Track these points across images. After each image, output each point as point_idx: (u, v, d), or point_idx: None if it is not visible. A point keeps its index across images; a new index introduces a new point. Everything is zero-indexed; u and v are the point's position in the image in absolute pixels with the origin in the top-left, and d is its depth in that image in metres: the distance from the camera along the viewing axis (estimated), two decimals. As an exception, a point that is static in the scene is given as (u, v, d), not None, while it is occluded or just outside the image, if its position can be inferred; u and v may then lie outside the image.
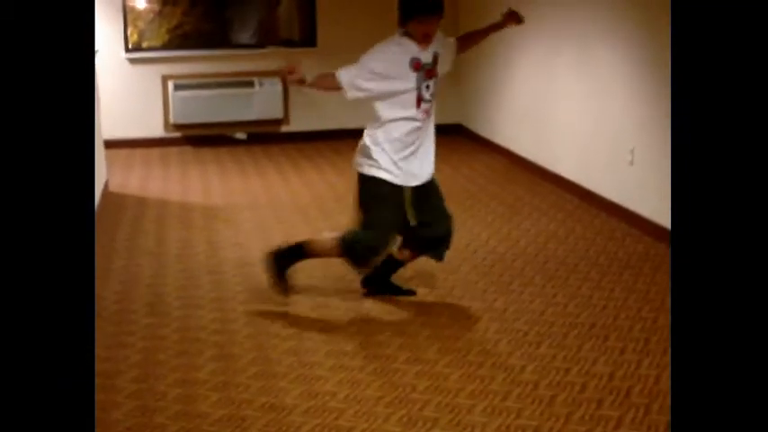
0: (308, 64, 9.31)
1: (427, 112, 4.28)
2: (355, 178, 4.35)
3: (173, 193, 7.17)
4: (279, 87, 9.12)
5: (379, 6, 9.38)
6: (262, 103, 9.13)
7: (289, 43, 9.34)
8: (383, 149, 4.22)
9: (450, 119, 8.90)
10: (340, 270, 5.06)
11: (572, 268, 5.11)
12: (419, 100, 4.22)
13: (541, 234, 5.83)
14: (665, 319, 4.31)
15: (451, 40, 4.53)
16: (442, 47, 4.36)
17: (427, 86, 4.24)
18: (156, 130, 9.00)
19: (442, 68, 4.35)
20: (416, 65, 4.19)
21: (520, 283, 4.85)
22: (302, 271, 5.09)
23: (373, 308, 4.50)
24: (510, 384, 3.63)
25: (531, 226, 6.01)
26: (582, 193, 6.69)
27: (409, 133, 4.24)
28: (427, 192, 4.39)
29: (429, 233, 4.42)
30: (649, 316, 4.37)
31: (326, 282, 4.88)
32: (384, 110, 4.23)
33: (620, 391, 3.56)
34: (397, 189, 4.27)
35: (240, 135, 9.27)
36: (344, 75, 4.23)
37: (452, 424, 3.31)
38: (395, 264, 4.59)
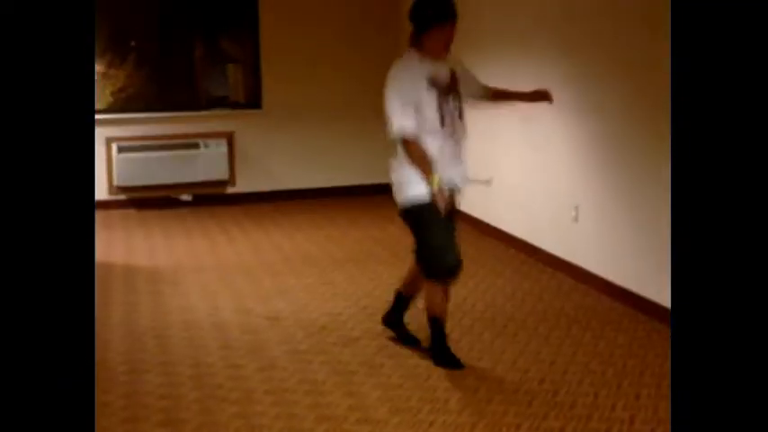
0: (253, 124, 9.43)
1: (453, 134, 4.28)
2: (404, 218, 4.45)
3: (117, 256, 7.07)
4: (224, 149, 9.13)
5: (323, 68, 9.49)
6: (207, 164, 9.10)
7: (234, 105, 9.36)
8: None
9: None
10: (287, 332, 5.03)
11: (520, 324, 5.13)
12: (442, 118, 4.22)
13: (489, 290, 5.85)
14: (614, 373, 4.33)
15: (480, 81, 4.62)
16: (460, 69, 4.42)
17: (447, 103, 4.23)
18: (99, 192, 8.91)
19: (465, 90, 4.39)
20: (434, 82, 4.19)
21: (468, 341, 4.85)
22: (249, 333, 5.04)
23: (321, 369, 4.46)
24: (461, 442, 3.60)
25: (478, 282, 6.03)
26: (528, 249, 6.75)
27: (435, 150, 4.24)
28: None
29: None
30: (598, 369, 4.39)
31: (273, 343, 4.84)
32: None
33: (572, 446, 3.56)
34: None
35: (185, 197, 9.22)
36: (398, 128, 4.21)
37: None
38: (405, 300, 4.76)
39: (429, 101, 4.16)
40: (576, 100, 6.06)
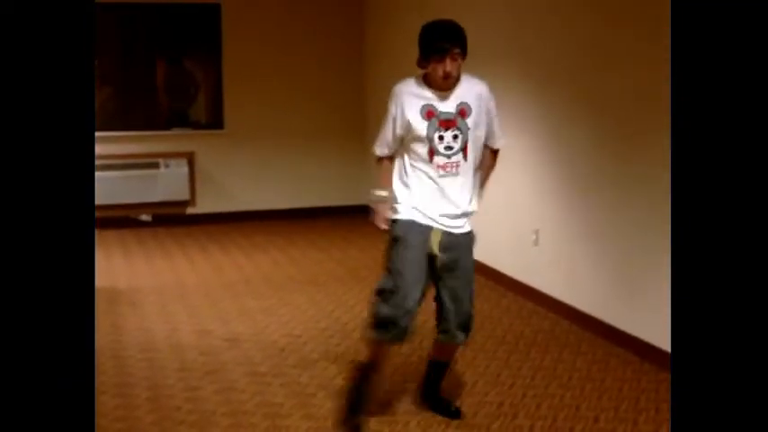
0: (215, 144, 9.40)
1: (445, 168, 3.84)
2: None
3: (74, 277, 6.98)
4: (185, 169, 9.08)
5: (286, 89, 9.50)
6: (167, 184, 9.05)
7: (195, 125, 9.32)
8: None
9: (354, 200, 8.96)
10: (246, 353, 5.00)
11: (479, 347, 5.14)
12: (431, 153, 3.82)
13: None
14: (572, 397, 4.35)
15: (493, 136, 4.04)
16: (479, 104, 3.89)
17: (441, 138, 3.81)
18: (57, 212, 8.81)
19: (475, 127, 3.88)
20: (429, 113, 3.80)
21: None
22: (208, 354, 5.00)
23: (279, 391, 4.43)
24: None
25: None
26: (488, 272, 6.77)
27: (422, 185, 3.88)
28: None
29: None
30: (557, 393, 4.41)
31: (232, 365, 4.81)
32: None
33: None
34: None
35: (145, 217, 9.15)
36: (375, 151, 4.02)
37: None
38: (438, 367, 4.20)
39: (419, 132, 3.79)
40: (537, 125, 6.12)
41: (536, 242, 6.14)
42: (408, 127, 3.81)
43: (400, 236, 3.84)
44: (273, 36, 9.42)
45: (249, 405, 4.25)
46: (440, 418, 4.09)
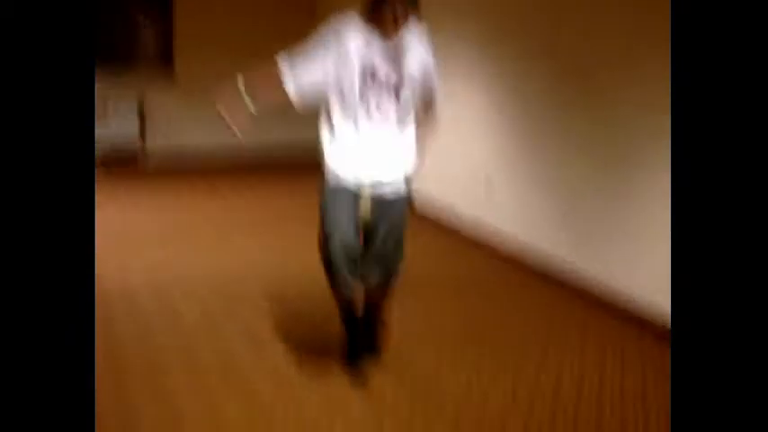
0: (165, 87, 9.22)
1: (378, 123, 3.62)
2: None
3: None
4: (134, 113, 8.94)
5: (234, 26, 9.35)
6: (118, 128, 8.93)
7: (146, 66, 9.15)
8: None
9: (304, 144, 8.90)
10: (200, 293, 4.98)
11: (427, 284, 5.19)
12: (363, 102, 3.59)
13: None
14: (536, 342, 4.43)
15: (430, 89, 3.79)
16: (420, 58, 3.65)
17: (376, 86, 3.58)
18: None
19: (413, 80, 3.64)
20: (366, 57, 3.53)
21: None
22: (160, 293, 4.97)
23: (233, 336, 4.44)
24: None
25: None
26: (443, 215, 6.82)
27: (346, 134, 3.66)
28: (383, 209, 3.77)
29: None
30: (500, 337, 4.47)
31: (185, 310, 4.80)
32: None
33: None
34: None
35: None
36: (288, 80, 3.57)
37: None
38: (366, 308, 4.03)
39: (350, 77, 3.54)
40: (494, 78, 6.12)
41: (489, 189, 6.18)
42: (338, 70, 3.53)
43: (330, 193, 3.69)
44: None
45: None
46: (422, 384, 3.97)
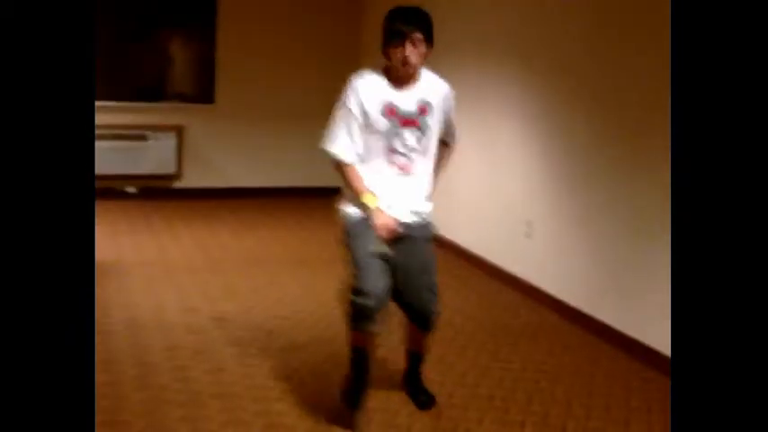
0: (205, 119, 9.29)
1: (403, 169, 3.73)
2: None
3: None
4: (173, 142, 8.97)
5: (278, 65, 9.40)
6: (154, 157, 8.95)
7: (184, 98, 9.19)
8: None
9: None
10: (237, 334, 4.94)
11: (470, 338, 5.11)
12: (390, 151, 3.69)
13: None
14: (563, 391, 4.34)
15: (449, 135, 3.99)
16: (440, 105, 3.78)
17: (400, 135, 3.67)
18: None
19: (435, 126, 3.78)
20: (390, 111, 3.66)
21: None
22: (198, 333, 4.94)
23: (270, 374, 4.38)
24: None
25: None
26: (480, 263, 6.75)
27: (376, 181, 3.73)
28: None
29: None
30: (547, 388, 4.39)
31: (219, 345, 4.75)
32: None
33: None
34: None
35: (130, 189, 9.04)
36: (334, 153, 3.73)
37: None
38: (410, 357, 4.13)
39: (378, 130, 3.66)
40: (534, 118, 6.08)
41: (528, 234, 6.11)
42: (368, 124, 3.64)
43: (357, 233, 3.71)
44: (271, 13, 9.32)
45: (240, 387, 4.20)
46: (433, 409, 4.05)
